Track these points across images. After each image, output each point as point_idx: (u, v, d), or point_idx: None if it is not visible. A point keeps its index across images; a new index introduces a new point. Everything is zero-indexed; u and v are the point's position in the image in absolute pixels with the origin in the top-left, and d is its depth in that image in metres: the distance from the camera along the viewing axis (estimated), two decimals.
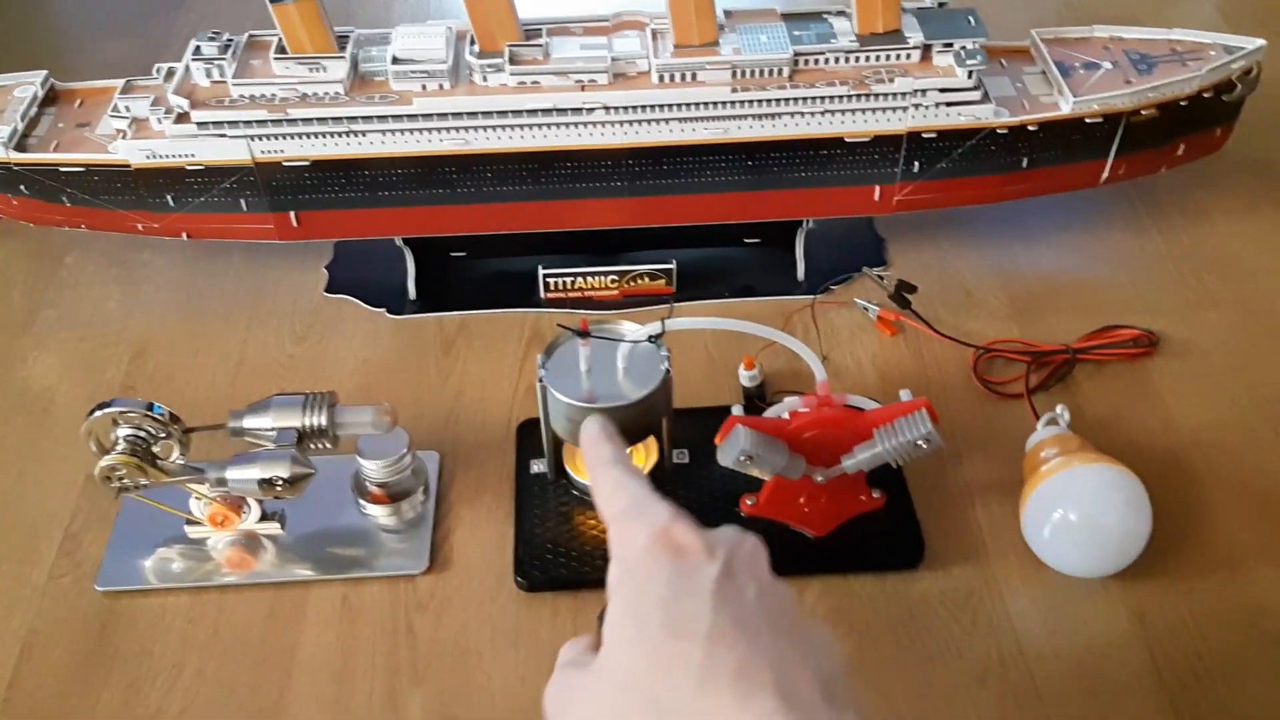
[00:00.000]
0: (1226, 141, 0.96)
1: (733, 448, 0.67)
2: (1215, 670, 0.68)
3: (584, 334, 0.70)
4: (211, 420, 0.73)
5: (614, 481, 0.50)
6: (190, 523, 0.76)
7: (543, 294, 0.94)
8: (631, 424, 0.70)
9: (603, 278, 0.93)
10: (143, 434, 0.71)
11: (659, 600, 0.43)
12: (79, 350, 0.92)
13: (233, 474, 0.70)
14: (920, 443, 0.67)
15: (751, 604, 0.44)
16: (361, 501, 0.76)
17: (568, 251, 0.95)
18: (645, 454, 0.78)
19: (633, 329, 0.72)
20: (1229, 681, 0.68)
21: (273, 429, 0.71)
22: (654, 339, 0.71)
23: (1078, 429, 0.78)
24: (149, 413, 0.70)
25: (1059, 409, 0.79)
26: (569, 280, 0.93)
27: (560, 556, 0.74)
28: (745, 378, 0.84)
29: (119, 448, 0.70)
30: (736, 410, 0.70)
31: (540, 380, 0.71)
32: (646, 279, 0.93)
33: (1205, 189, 1.03)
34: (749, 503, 0.75)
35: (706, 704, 0.40)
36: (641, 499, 0.48)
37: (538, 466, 0.79)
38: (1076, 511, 0.71)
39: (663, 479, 0.77)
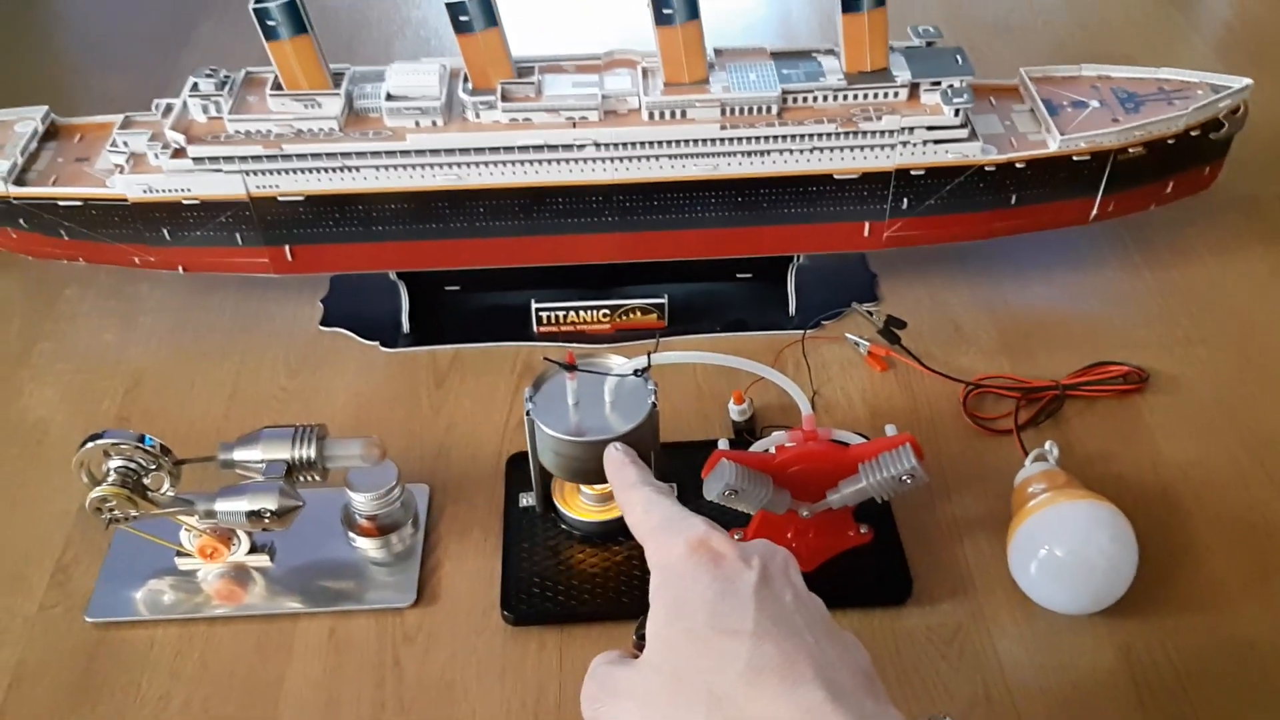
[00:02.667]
0: (1215, 179, 0.97)
1: (718, 481, 0.67)
2: (1201, 706, 0.68)
3: (570, 367, 0.71)
4: (205, 452, 0.73)
5: (645, 500, 0.54)
6: (180, 554, 0.76)
7: (535, 328, 0.94)
8: None
9: (595, 312, 0.94)
10: (134, 466, 0.71)
11: (703, 601, 0.46)
12: (74, 382, 0.92)
13: (221, 506, 0.70)
14: (904, 478, 0.68)
15: (789, 607, 0.47)
16: (350, 534, 0.77)
17: (560, 286, 0.96)
18: None
19: (620, 363, 0.72)
20: (1215, 717, 0.68)
21: (262, 461, 0.72)
22: (640, 373, 0.71)
23: (1067, 465, 0.78)
24: (140, 445, 0.71)
25: (1047, 445, 0.79)
26: (561, 314, 0.94)
27: (547, 590, 0.74)
28: (735, 412, 0.84)
29: (110, 479, 0.70)
30: (723, 444, 0.71)
31: (528, 414, 0.71)
32: (638, 313, 0.94)
33: (1196, 226, 1.04)
34: (736, 537, 0.75)
35: (755, 695, 0.43)
36: (675, 514, 0.52)
37: (526, 500, 0.79)
38: (1062, 548, 0.71)
39: None
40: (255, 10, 0.82)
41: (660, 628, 0.47)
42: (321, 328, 0.97)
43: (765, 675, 0.43)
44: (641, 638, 0.50)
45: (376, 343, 0.95)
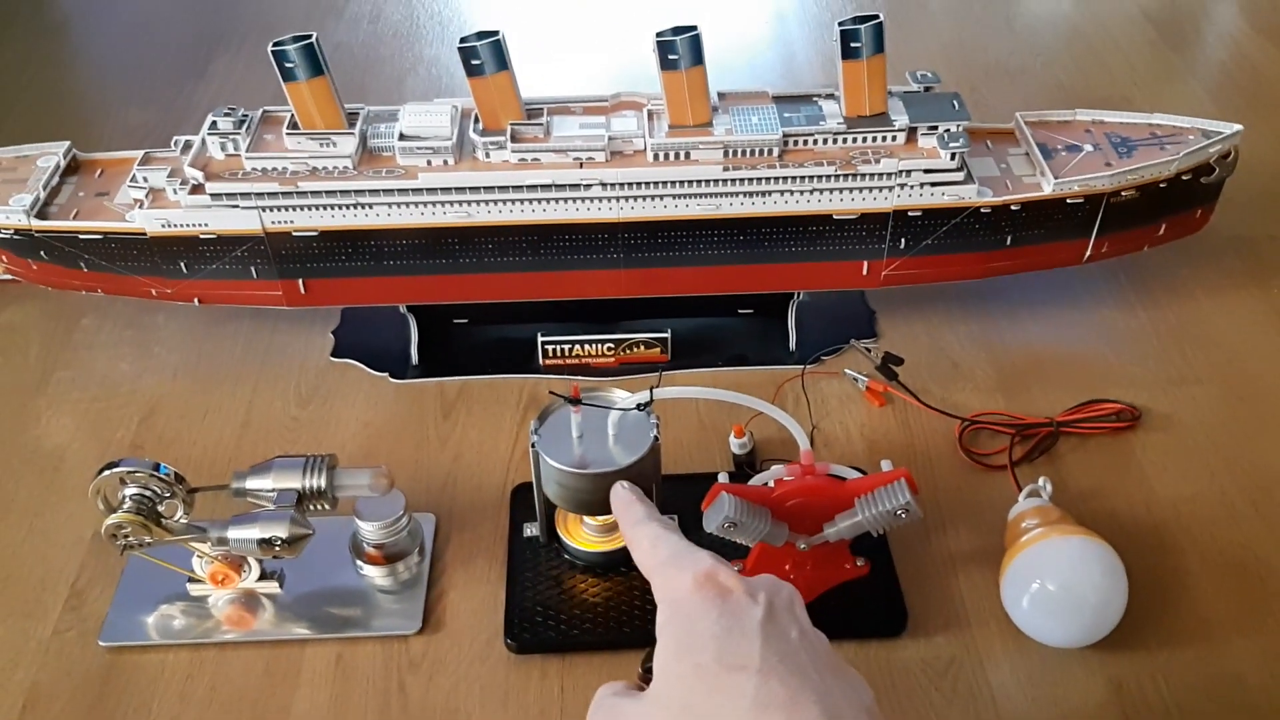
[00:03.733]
0: (1207, 222, 0.99)
1: (717, 514, 0.69)
2: None
3: (575, 401, 0.73)
4: (218, 480, 0.75)
5: (652, 536, 0.55)
6: (192, 580, 0.78)
7: (541, 361, 0.96)
8: None
9: (600, 345, 0.96)
10: (149, 493, 0.73)
11: (710, 636, 0.47)
12: (90, 410, 0.94)
13: (234, 534, 0.72)
14: (899, 513, 0.69)
15: (795, 643, 0.47)
16: (358, 562, 0.79)
17: (566, 320, 0.98)
18: None
19: (623, 396, 0.74)
20: None
21: (273, 490, 0.74)
22: (643, 407, 0.73)
23: (1060, 501, 0.79)
24: (155, 473, 0.73)
25: (1041, 481, 0.81)
26: (567, 348, 0.96)
27: (550, 620, 0.76)
28: (736, 445, 0.86)
29: (125, 506, 0.72)
30: (723, 478, 0.72)
31: (533, 446, 0.73)
32: (642, 347, 0.96)
33: (1190, 267, 1.06)
34: (736, 569, 0.77)
35: None
36: (682, 549, 0.53)
37: (530, 530, 0.81)
38: (1054, 582, 0.72)
39: None
40: (274, 52, 0.84)
41: (668, 662, 0.47)
42: (332, 359, 0.99)
43: (771, 711, 0.44)
44: (648, 670, 0.50)
45: (386, 374, 0.97)
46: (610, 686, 0.51)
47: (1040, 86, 1.36)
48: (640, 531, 0.56)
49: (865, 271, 0.93)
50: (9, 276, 0.97)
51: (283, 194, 0.87)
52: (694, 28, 0.85)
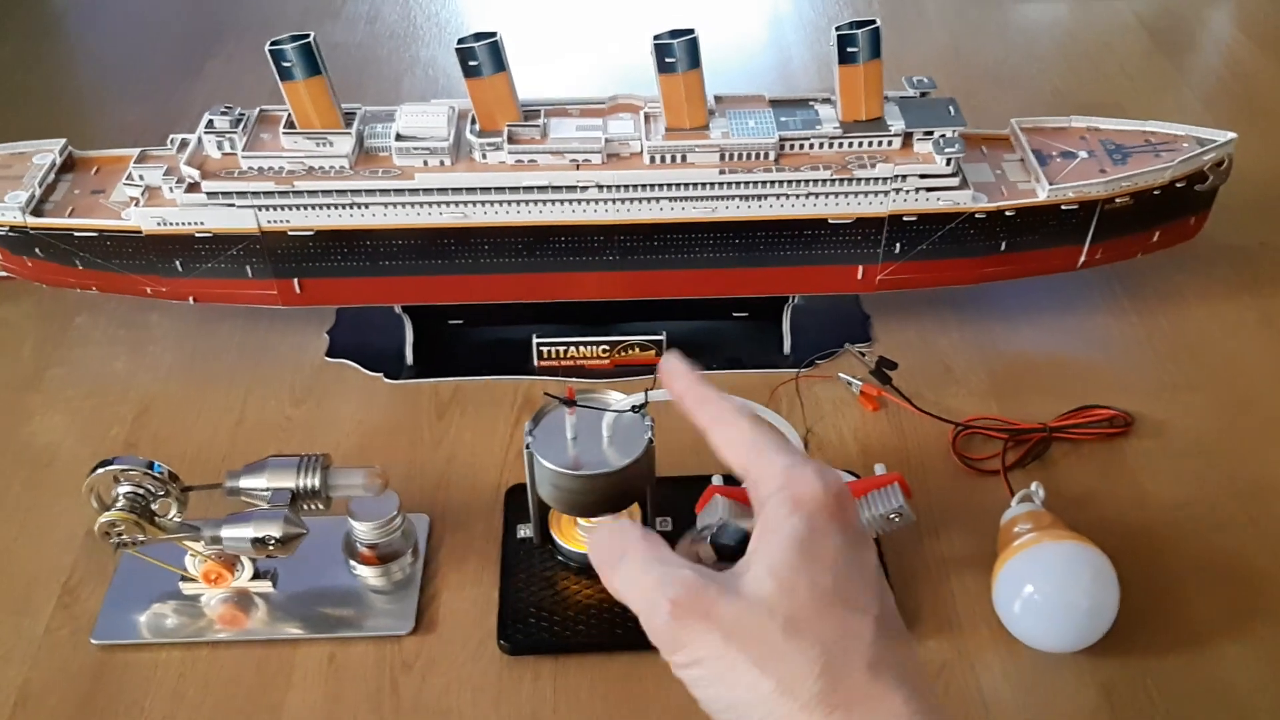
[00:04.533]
0: (1200, 229, 0.99)
1: (711, 516, 0.69)
2: None
3: (570, 403, 0.73)
4: (211, 478, 0.75)
5: (756, 428, 0.48)
6: (185, 579, 0.78)
7: (536, 362, 0.97)
8: (615, 491, 0.73)
9: (595, 347, 0.96)
10: (142, 491, 0.73)
11: (832, 560, 0.43)
12: (84, 408, 0.94)
13: (227, 532, 0.72)
14: (892, 516, 0.70)
15: (892, 599, 0.45)
16: (351, 562, 0.79)
17: (561, 321, 0.98)
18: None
19: (618, 398, 0.74)
20: None
21: (267, 489, 0.74)
22: (638, 409, 0.73)
23: (1052, 506, 0.80)
24: (149, 471, 0.73)
25: (1034, 486, 0.81)
26: (562, 349, 0.96)
27: (543, 620, 0.76)
28: None
29: (119, 504, 0.72)
30: (716, 480, 0.73)
31: (527, 448, 0.73)
32: (637, 349, 0.96)
33: (1183, 274, 1.06)
34: None
35: (875, 688, 0.41)
36: (798, 451, 0.47)
37: (524, 531, 0.81)
38: (1046, 587, 0.73)
39: None
40: (271, 51, 0.84)
41: (781, 565, 0.42)
42: (327, 359, 0.99)
43: (886, 670, 0.41)
44: (720, 547, 0.47)
45: (380, 374, 0.97)
46: (654, 542, 0.45)
47: (1035, 93, 1.36)
48: (748, 427, 0.48)
49: (860, 276, 0.93)
50: (3, 274, 0.97)
51: (279, 193, 0.87)
52: (691, 31, 0.85)
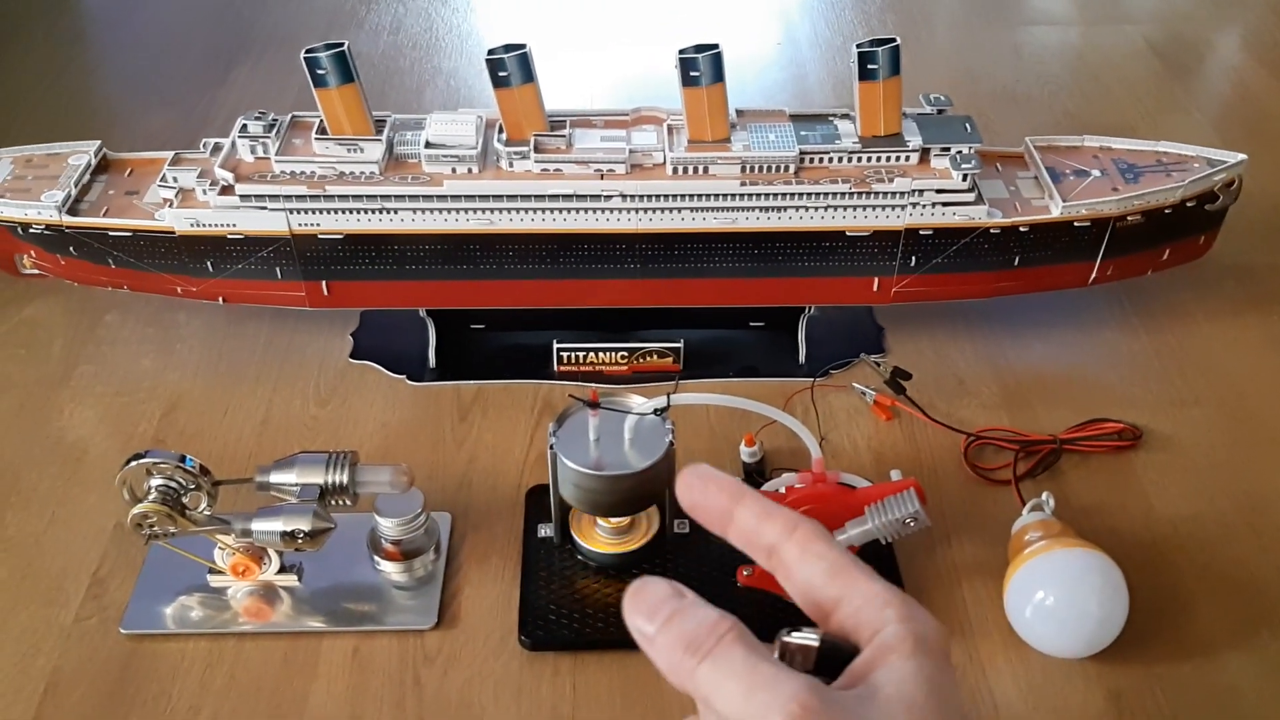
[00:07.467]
0: (1210, 248, 1.01)
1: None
2: None
3: (594, 405, 0.75)
4: (237, 475, 0.77)
5: (870, 575, 0.43)
6: (213, 571, 0.79)
7: (556, 367, 0.98)
8: (636, 492, 0.75)
9: (614, 354, 0.98)
10: (174, 484, 0.75)
11: (955, 705, 0.42)
12: (113, 405, 0.96)
13: (258, 525, 0.74)
14: (909, 521, 0.71)
15: None
16: (376, 558, 0.80)
17: (581, 328, 1.00)
18: (647, 523, 0.81)
19: (640, 402, 0.76)
20: None
21: (297, 484, 0.75)
22: (659, 413, 0.75)
23: (1062, 516, 0.81)
24: (181, 465, 0.74)
25: (1044, 496, 0.82)
26: (581, 355, 0.98)
27: (563, 618, 0.77)
28: (746, 454, 0.88)
29: (151, 496, 0.74)
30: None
31: (551, 448, 0.75)
32: (655, 356, 0.98)
33: (1192, 292, 1.08)
34: (745, 574, 0.79)
35: None
36: (886, 583, 0.43)
37: (545, 531, 0.83)
38: (1056, 593, 0.74)
39: (664, 548, 0.81)
40: (306, 58, 0.86)
41: (916, 710, 0.41)
42: (351, 360, 1.01)
43: None
44: (831, 661, 0.42)
45: (403, 376, 0.99)
46: (743, 628, 0.39)
47: (1047, 114, 1.38)
48: (865, 576, 0.42)
49: (876, 288, 0.95)
50: (35, 271, 0.99)
51: (310, 197, 0.89)
52: (715, 46, 0.88)
